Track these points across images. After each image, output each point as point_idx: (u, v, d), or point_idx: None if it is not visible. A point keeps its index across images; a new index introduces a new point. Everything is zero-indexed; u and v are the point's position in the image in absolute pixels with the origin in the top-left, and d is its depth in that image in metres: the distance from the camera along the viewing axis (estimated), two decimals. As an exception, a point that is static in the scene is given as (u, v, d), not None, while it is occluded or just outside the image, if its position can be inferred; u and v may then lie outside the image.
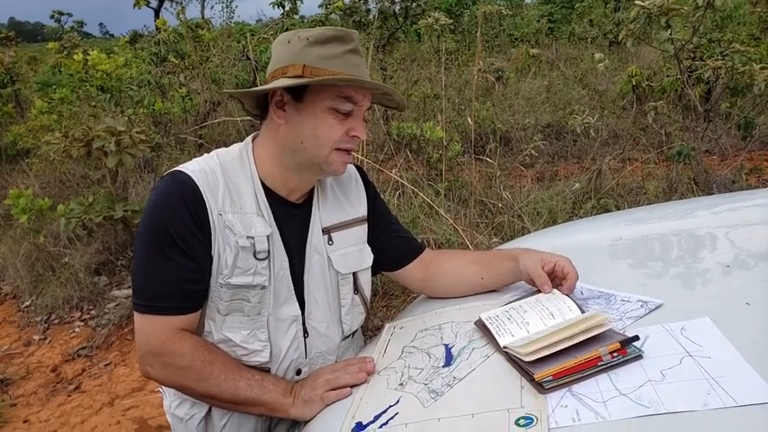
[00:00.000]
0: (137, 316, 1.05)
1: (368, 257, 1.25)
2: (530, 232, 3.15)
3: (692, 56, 5.11)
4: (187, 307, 1.05)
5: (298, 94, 1.05)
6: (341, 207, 1.22)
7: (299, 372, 1.16)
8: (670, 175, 4.22)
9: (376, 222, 1.28)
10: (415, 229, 3.33)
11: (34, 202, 3.75)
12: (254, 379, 1.05)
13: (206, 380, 1.02)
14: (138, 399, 2.66)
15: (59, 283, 3.60)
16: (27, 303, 3.68)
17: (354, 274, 1.22)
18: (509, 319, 1.03)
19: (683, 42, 4.23)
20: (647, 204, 3.78)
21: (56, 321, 3.46)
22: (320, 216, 1.18)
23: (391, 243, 1.30)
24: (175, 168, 1.09)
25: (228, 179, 1.08)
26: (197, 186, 1.04)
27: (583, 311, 1.01)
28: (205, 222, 1.04)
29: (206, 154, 1.13)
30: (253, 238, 1.06)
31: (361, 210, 1.25)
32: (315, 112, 1.05)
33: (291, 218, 1.14)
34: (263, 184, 1.11)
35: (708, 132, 4.70)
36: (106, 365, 2.99)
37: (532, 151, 3.62)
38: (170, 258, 1.02)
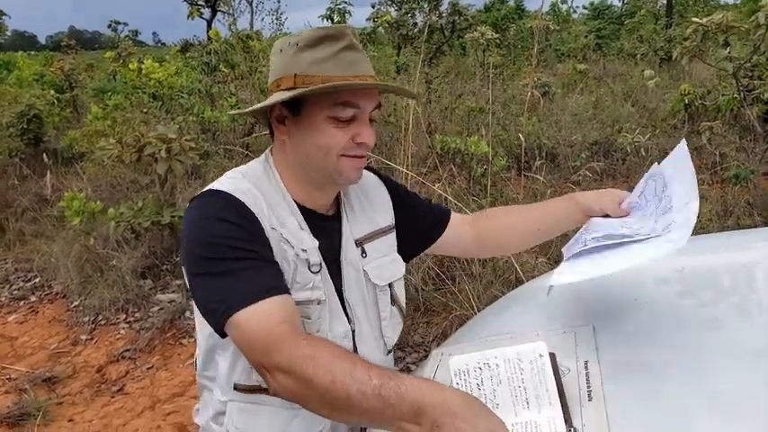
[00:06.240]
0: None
1: (401, 266, 1.22)
2: (577, 253, 3.07)
3: (750, 74, 4.93)
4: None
5: (294, 107, 1.00)
6: (369, 217, 1.18)
7: None
8: (725, 197, 4.06)
9: (402, 208, 1.24)
10: (458, 246, 3.29)
11: (87, 205, 3.88)
12: None
13: None
14: (178, 404, 2.70)
15: (107, 284, 3.69)
16: (76, 303, 3.78)
17: (390, 284, 1.18)
18: (479, 386, 0.90)
19: (742, 61, 4.08)
20: (700, 227, 3.64)
21: (102, 322, 3.54)
22: (350, 228, 1.14)
23: (424, 216, 1.27)
24: (209, 188, 1.01)
25: (264, 196, 1.02)
26: (243, 202, 0.98)
27: (564, 404, 0.85)
28: (264, 236, 0.98)
29: (225, 178, 1.05)
30: (306, 251, 1.03)
31: (389, 217, 1.22)
32: (314, 123, 0.99)
33: (325, 231, 1.10)
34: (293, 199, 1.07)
35: (766, 154, 4.51)
36: (149, 369, 3.04)
37: (586, 172, 3.53)
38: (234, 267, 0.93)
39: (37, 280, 4.26)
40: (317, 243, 1.05)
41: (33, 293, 4.11)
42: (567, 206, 1.21)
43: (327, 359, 0.82)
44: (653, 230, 0.98)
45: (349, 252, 1.12)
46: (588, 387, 0.90)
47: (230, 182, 1.02)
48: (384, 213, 1.21)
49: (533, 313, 1.24)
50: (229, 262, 0.92)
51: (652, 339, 1.02)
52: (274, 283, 0.94)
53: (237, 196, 0.98)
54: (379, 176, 1.26)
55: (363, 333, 1.13)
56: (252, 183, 1.03)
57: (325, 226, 1.10)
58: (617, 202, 1.14)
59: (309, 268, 1.03)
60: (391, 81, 6.43)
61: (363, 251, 1.14)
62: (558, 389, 0.87)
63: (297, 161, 1.05)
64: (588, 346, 1.02)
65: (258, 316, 0.88)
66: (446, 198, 3.55)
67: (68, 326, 3.59)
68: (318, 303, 1.04)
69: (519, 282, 2.75)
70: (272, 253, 0.98)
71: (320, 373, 0.81)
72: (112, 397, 2.84)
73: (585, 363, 0.97)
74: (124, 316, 3.56)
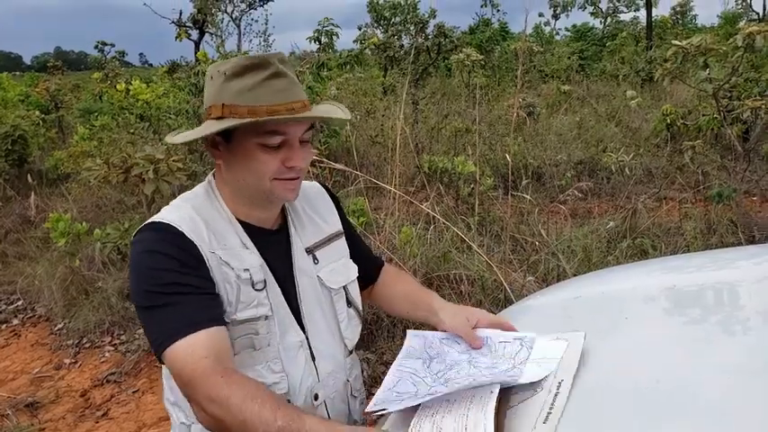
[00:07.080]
0: None
1: (353, 269, 1.26)
2: (565, 271, 3.09)
3: (729, 95, 5.05)
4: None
5: (226, 134, 1.03)
6: (316, 225, 1.22)
7: (316, 397, 1.14)
8: (708, 216, 4.12)
9: (342, 217, 1.31)
10: (447, 264, 3.29)
11: (72, 226, 3.83)
12: None
13: None
14: (164, 428, 2.65)
15: (92, 306, 3.64)
16: (60, 326, 3.72)
17: (345, 287, 1.22)
18: (433, 414, 0.94)
19: (721, 82, 4.18)
20: (685, 245, 3.68)
21: (87, 345, 3.48)
22: (300, 238, 1.18)
23: (359, 263, 1.30)
24: (150, 221, 1.05)
25: (206, 220, 1.06)
26: (181, 231, 1.01)
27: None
28: (203, 263, 1.01)
29: (169, 206, 1.09)
30: (248, 270, 1.06)
31: (336, 224, 1.27)
32: (245, 150, 1.03)
33: (273, 245, 1.13)
34: (236, 218, 1.11)
35: (747, 173, 4.60)
36: (134, 392, 2.99)
37: (575, 191, 3.57)
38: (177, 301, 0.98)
39: (20, 303, 4.18)
40: (260, 261, 1.09)
41: (16, 316, 4.03)
42: (428, 313, 1.25)
43: (240, 399, 0.89)
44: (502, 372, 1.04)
45: (300, 261, 1.16)
46: (550, 409, 0.90)
47: (173, 210, 1.07)
48: (330, 221, 1.27)
49: (524, 333, 1.25)
50: (165, 296, 0.98)
51: (642, 357, 1.03)
52: (206, 314, 0.98)
53: (176, 225, 1.02)
54: (325, 188, 1.32)
55: (323, 338, 1.18)
56: (194, 208, 1.08)
57: (272, 240, 1.14)
58: (471, 325, 1.17)
59: (253, 286, 1.07)
60: (378, 101, 6.48)
61: (315, 258, 1.19)
62: (496, 417, 0.90)
63: (233, 183, 1.09)
64: (570, 364, 1.01)
65: (184, 350, 0.94)
66: (434, 217, 3.56)
67: (51, 349, 3.52)
68: (266, 319, 1.07)
69: (508, 301, 2.76)
70: (210, 281, 1.02)
71: (231, 414, 0.89)
72: (96, 422, 2.78)
73: (560, 383, 0.97)
74: (109, 338, 3.51)
